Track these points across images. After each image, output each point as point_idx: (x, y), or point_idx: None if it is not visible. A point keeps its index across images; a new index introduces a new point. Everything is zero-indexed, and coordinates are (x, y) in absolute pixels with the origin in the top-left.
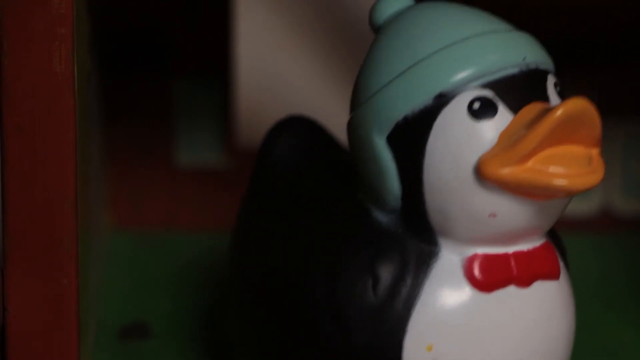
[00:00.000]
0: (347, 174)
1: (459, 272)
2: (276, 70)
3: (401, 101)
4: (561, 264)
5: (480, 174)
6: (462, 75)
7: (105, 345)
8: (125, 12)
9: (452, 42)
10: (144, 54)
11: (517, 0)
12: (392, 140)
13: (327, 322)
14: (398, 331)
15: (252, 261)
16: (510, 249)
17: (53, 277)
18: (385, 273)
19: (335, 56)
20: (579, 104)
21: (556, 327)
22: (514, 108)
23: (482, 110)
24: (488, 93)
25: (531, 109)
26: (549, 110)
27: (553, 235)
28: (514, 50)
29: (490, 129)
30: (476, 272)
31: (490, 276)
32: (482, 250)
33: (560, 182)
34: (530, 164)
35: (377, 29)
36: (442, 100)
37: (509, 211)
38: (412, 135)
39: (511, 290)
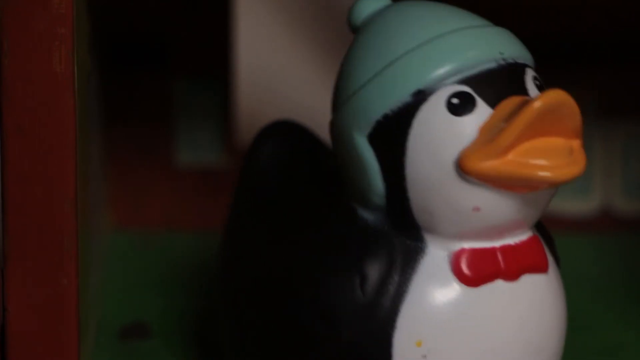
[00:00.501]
0: (333, 177)
1: (446, 268)
2: (276, 70)
3: (380, 100)
4: (550, 257)
5: (462, 168)
6: (439, 71)
7: (105, 345)
8: (125, 12)
9: (428, 39)
10: (144, 54)
11: (517, 0)
12: (373, 138)
13: (315, 321)
14: (387, 328)
15: (240, 264)
16: (497, 243)
17: (53, 277)
18: (373, 271)
19: (335, 56)
20: (557, 96)
21: (546, 319)
22: (493, 102)
23: (461, 105)
24: (466, 88)
25: (510, 103)
26: (527, 102)
27: (541, 229)
28: (490, 45)
29: (470, 124)
30: (463, 267)
31: (478, 271)
32: (468, 245)
33: (542, 173)
34: (510, 156)
35: (356, 30)
36: (420, 97)
37: (493, 205)
38: (393, 133)
39: (499, 284)
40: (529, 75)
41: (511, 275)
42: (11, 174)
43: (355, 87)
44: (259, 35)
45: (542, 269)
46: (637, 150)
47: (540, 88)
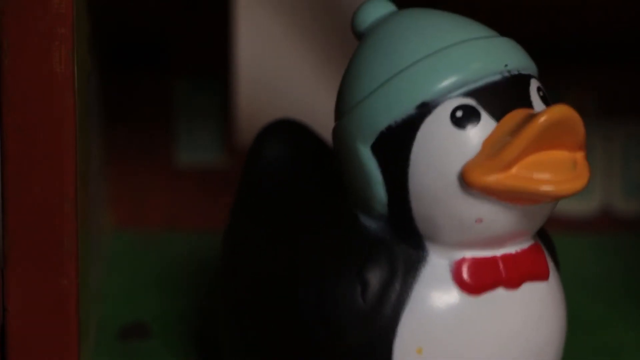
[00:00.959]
0: (335, 178)
1: (448, 276)
2: (276, 70)
3: (384, 111)
4: (551, 264)
5: (465, 181)
6: (443, 84)
7: (105, 345)
8: (125, 12)
9: (432, 51)
10: (144, 54)
11: (517, 0)
12: (376, 149)
13: (317, 328)
14: (388, 335)
15: (241, 265)
16: (498, 252)
17: (53, 277)
18: (374, 279)
19: (335, 56)
20: (562, 111)
21: (546, 327)
22: (497, 115)
23: (465, 118)
24: (470, 101)
25: (514, 116)
26: (532, 117)
27: (542, 233)
28: (495, 57)
29: (474, 137)
30: (465, 275)
31: (479, 279)
32: (470, 253)
33: (546, 188)
34: (514, 170)
35: (360, 36)
36: (424, 109)
37: (495, 216)
38: (397, 144)
39: (500, 292)
40: (533, 86)
41: (512, 283)
42: (11, 174)
43: (359, 97)
44: (259, 35)
45: (543, 276)
46: (637, 150)
47: (544, 99)
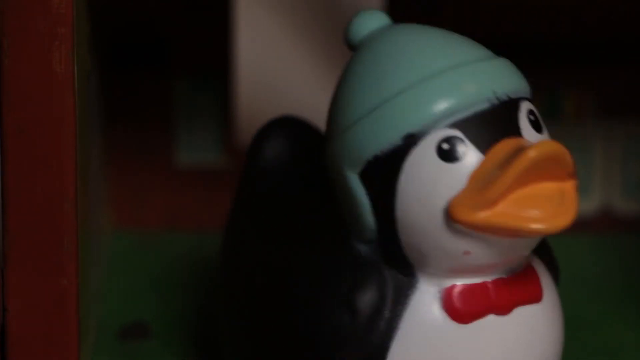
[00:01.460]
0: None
1: (437, 304)
2: (276, 70)
3: (371, 140)
4: (546, 280)
5: (451, 217)
6: (429, 115)
7: (105, 345)
8: (125, 12)
9: (420, 79)
10: (144, 54)
11: (517, 1)
12: (364, 176)
13: (307, 351)
14: None
15: (239, 265)
16: (489, 277)
17: (53, 277)
18: (363, 305)
19: (335, 56)
20: (549, 147)
21: (539, 349)
22: (484, 147)
23: (451, 151)
24: (457, 133)
25: (502, 148)
26: (519, 152)
27: (543, 247)
28: (483, 84)
29: (460, 170)
30: (455, 303)
31: (469, 307)
32: (460, 280)
33: (534, 226)
34: (501, 207)
35: (353, 48)
36: (411, 140)
37: (483, 249)
38: (384, 174)
39: (490, 319)
40: (523, 111)
41: (503, 309)
42: (11, 174)
43: (347, 123)
44: (259, 35)
45: (535, 299)
46: (637, 150)
47: (535, 123)
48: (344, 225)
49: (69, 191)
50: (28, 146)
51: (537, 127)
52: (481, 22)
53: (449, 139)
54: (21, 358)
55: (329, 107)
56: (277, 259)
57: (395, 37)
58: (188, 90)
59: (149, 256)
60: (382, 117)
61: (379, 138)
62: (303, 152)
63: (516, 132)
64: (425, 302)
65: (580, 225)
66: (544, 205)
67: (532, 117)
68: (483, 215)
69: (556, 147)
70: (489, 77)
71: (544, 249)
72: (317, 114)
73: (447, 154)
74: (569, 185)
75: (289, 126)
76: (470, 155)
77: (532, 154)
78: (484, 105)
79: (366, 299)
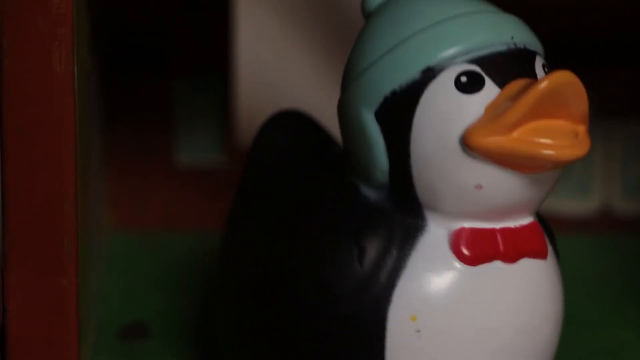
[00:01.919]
0: (337, 163)
1: (445, 246)
2: (276, 70)
3: (389, 76)
4: (550, 248)
5: (466, 144)
6: (449, 50)
7: (105, 345)
8: (125, 12)
9: (440, 20)
10: (144, 54)
11: (517, 1)
12: (380, 115)
13: (312, 293)
14: (383, 301)
15: (241, 257)
16: (497, 225)
17: (53, 277)
18: (371, 245)
19: (335, 56)
20: (565, 76)
21: (542, 305)
22: (501, 83)
23: (469, 83)
24: (475, 68)
25: (518, 84)
26: (535, 82)
27: (543, 224)
28: (502, 28)
29: (477, 102)
30: (462, 245)
31: (477, 250)
32: (468, 224)
33: (547, 152)
34: (516, 134)
35: (368, 15)
36: (429, 74)
37: (496, 183)
38: (400, 109)
39: (497, 265)
40: (539, 62)
41: (510, 257)
42: (11, 174)
43: (365, 65)
44: (259, 35)
45: (540, 254)
46: (636, 151)
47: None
48: (352, 180)
49: (69, 191)
50: (28, 146)
51: None
52: None
53: (467, 73)
54: (21, 358)
55: (345, 63)
56: (283, 229)
57: None
58: (188, 90)
59: (149, 256)
60: (402, 53)
61: (397, 73)
62: (305, 144)
63: (532, 75)
64: (433, 243)
65: (580, 225)
66: (558, 137)
67: (546, 70)
68: (496, 140)
69: (571, 77)
70: (508, 25)
71: (546, 230)
72: (317, 113)
73: (465, 86)
74: (582, 128)
75: (291, 120)
76: (487, 89)
77: (546, 81)
78: (502, 47)
79: (374, 239)
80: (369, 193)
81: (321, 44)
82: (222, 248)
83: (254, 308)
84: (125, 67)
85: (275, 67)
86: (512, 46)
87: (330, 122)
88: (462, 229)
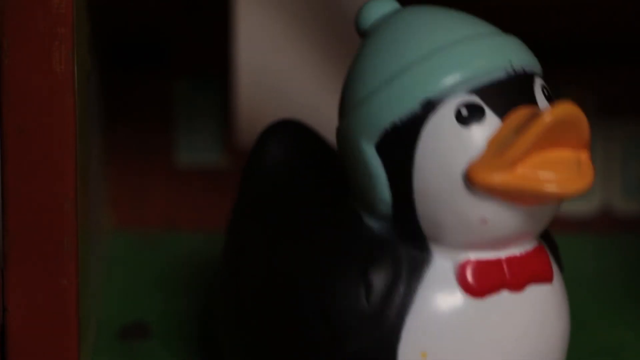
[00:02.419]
0: (338, 179)
1: (452, 278)
2: (276, 70)
3: (388, 109)
4: (554, 266)
5: (470, 181)
6: (448, 81)
7: (105, 345)
8: (125, 12)
9: (437, 48)
10: (144, 54)
11: (517, 1)
12: (381, 147)
13: (320, 330)
14: (392, 339)
15: (243, 267)
16: (503, 254)
17: (53, 277)
18: (378, 281)
19: (335, 56)
20: (567, 109)
21: (550, 330)
22: (502, 113)
23: (469, 116)
24: (475, 99)
25: (519, 114)
26: (537, 116)
27: (545, 234)
28: (500, 54)
29: (479, 135)
30: (469, 277)
31: (483, 281)
32: (474, 255)
33: (550, 187)
34: (519, 170)
35: (363, 34)
36: (429, 107)
37: (500, 217)
38: (401, 142)
39: (504, 295)
40: (538, 84)
41: (516, 285)
42: (11, 174)
43: (363, 95)
44: (259, 35)
45: (547, 279)
46: (636, 150)
47: (549, 98)
48: (354, 207)
49: (69, 191)
50: (28, 146)
51: (551, 102)
52: None
53: (467, 105)
54: (21, 358)
55: (342, 88)
56: (287, 249)
57: (410, 15)
58: (188, 90)
59: (149, 256)
60: (401, 85)
61: (397, 106)
62: (303, 154)
63: (532, 101)
64: (440, 276)
65: (580, 225)
66: (561, 169)
67: (546, 92)
68: (500, 177)
69: (573, 109)
70: (506, 48)
71: (549, 241)
72: (317, 113)
73: (466, 119)
74: (584, 155)
75: (290, 129)
76: (488, 121)
77: (550, 115)
78: (501, 74)
79: (381, 274)
80: (372, 223)
81: (321, 43)
82: (224, 257)
83: (258, 322)
84: (125, 67)
85: (275, 67)
86: (511, 71)
87: (331, 122)
88: (468, 261)
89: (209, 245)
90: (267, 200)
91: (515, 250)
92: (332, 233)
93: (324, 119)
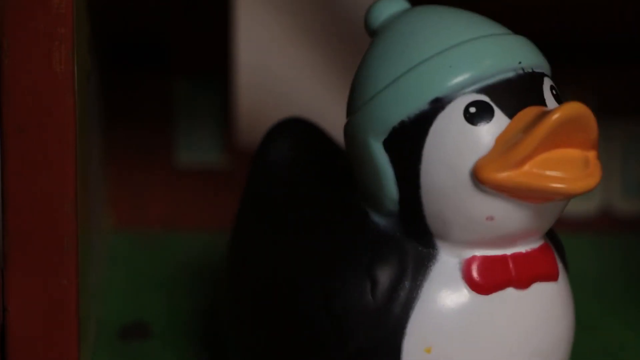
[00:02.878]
0: (345, 176)
1: (457, 275)
2: (276, 70)
3: (397, 106)
4: (560, 265)
5: (477, 178)
6: (457, 80)
7: (105, 345)
8: (125, 12)
9: (447, 47)
10: (144, 54)
11: (517, 1)
12: (389, 144)
13: (325, 325)
14: (397, 334)
15: (249, 266)
16: (509, 251)
17: (53, 277)
18: (384, 276)
19: (335, 56)
20: (576, 108)
21: (555, 328)
22: (510, 112)
23: (478, 114)
24: (484, 98)
25: (527, 113)
26: (545, 114)
27: (551, 234)
28: (509, 54)
29: (487, 134)
30: (474, 274)
31: (489, 278)
32: (480, 252)
33: (558, 185)
34: (526, 167)
35: (373, 33)
36: (437, 105)
37: (506, 214)
38: (409, 140)
39: (510, 292)
40: (547, 84)
41: (522, 283)
42: (11, 174)
43: (372, 93)
44: (259, 35)
45: (552, 277)
46: (636, 150)
47: (557, 98)
48: (361, 204)
49: (69, 191)
50: (28, 146)
51: (559, 101)
52: None
53: (476, 103)
54: (21, 358)
55: (350, 86)
56: (293, 247)
57: (419, 14)
58: (188, 90)
59: (149, 256)
60: (410, 83)
61: (405, 103)
62: (309, 152)
63: (541, 101)
64: (446, 272)
65: (580, 225)
66: (568, 168)
67: (554, 92)
68: (507, 175)
69: (582, 108)
70: (515, 49)
71: (555, 240)
72: (317, 113)
73: (474, 117)
74: (592, 155)
75: (297, 127)
76: (497, 119)
77: (558, 114)
78: (510, 74)
79: (387, 270)
80: (379, 220)
81: (321, 43)
82: (229, 255)
83: (263, 320)
84: (125, 67)
85: (275, 67)
86: (520, 71)
87: (330, 123)
88: (474, 257)
89: (209, 245)
90: (273, 197)
91: (521, 248)
92: (339, 229)
93: (325, 118)
